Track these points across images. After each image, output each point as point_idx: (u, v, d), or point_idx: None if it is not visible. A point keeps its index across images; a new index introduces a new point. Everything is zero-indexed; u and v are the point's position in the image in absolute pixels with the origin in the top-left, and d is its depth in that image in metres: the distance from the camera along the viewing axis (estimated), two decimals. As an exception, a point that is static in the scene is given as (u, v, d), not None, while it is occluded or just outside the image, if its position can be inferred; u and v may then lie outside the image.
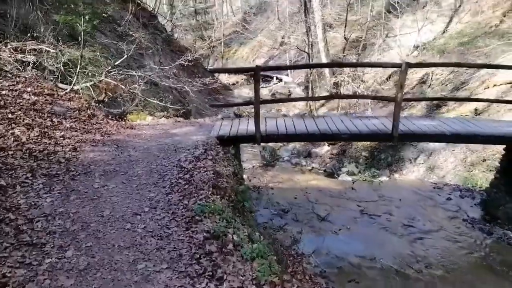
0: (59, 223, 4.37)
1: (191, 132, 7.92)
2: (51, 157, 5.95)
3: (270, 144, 18.74)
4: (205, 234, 4.28)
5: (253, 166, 16.28)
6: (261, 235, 5.35)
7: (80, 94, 8.95)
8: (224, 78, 29.14)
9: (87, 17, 8.89)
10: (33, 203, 4.69)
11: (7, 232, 3.98)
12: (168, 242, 4.19)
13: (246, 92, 26.47)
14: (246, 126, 8.02)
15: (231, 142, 7.62)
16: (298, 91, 24.20)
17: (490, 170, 11.73)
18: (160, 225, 4.52)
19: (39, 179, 5.33)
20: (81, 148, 6.56)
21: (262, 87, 27.32)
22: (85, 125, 7.63)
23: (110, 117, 8.64)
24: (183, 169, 5.98)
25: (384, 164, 15.06)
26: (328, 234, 7.58)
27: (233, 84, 28.44)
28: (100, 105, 9.01)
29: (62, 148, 6.35)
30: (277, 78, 27.06)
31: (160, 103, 10.56)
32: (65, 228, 4.31)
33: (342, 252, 7.04)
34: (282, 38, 26.05)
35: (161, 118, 9.19)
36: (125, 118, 9.13)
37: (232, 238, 4.33)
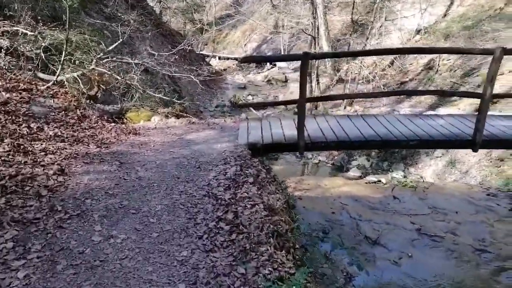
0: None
1: (212, 137, 5.88)
2: (27, 188, 3.86)
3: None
4: None
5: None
6: None
7: (66, 87, 6.76)
8: (215, 63, 26.79)
9: (72, -11, 6.64)
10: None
11: None
12: None
13: (239, 78, 24.25)
14: (281, 129, 6.03)
15: (266, 152, 5.64)
16: (294, 77, 22.15)
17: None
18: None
19: (8, 230, 3.28)
20: (71, 169, 4.47)
21: (256, 73, 25.13)
22: (74, 131, 5.50)
23: (105, 117, 6.50)
24: (219, 201, 3.98)
25: (399, 158, 13.33)
26: (386, 265, 5.77)
27: (225, 69, 26.17)
28: (92, 102, 6.85)
29: (43, 170, 4.24)
30: (271, 63, 24.96)
31: (164, 97, 8.42)
32: None
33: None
34: (277, 21, 23.90)
35: (169, 117, 7.12)
36: (124, 118, 7.02)
37: None
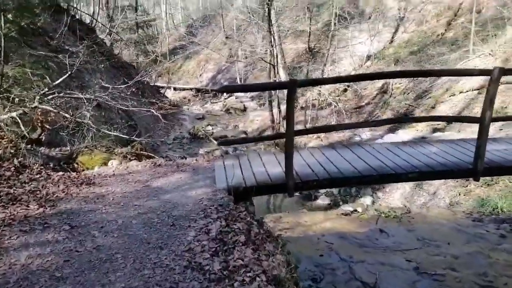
0: None
1: (185, 182, 4.82)
2: None
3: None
4: None
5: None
6: None
7: (2, 131, 5.48)
8: (170, 94, 25.64)
9: (9, 15, 5.45)
10: None
11: None
12: None
13: (197, 108, 23.24)
14: (263, 167, 5.09)
15: (249, 196, 4.65)
16: (252, 105, 21.52)
17: (497, 187, 9.83)
18: None
19: None
20: (3, 243, 3.27)
21: (213, 103, 24.23)
22: (10, 187, 4.26)
23: (51, 165, 5.27)
24: (207, 274, 2.94)
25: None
26: (393, 316, 4.91)
27: (180, 100, 25.06)
28: (34, 146, 5.59)
29: (-38, 249, 3.01)
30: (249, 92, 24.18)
31: (121, 135, 7.23)
32: None
33: None
34: (231, 50, 23.28)
35: (130, 160, 5.98)
36: (74, 163, 5.80)
37: None
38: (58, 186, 4.55)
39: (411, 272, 5.65)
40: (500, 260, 5.98)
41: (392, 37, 21.96)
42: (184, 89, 25.29)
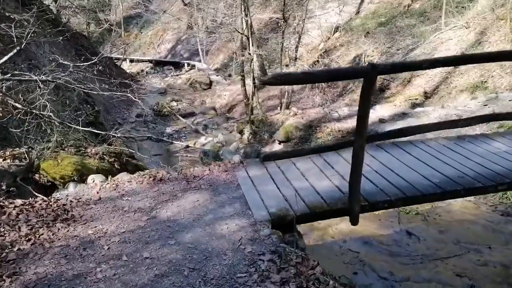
0: None
1: (205, 207, 3.30)
2: None
3: (207, 143, 14.24)
4: None
5: (196, 177, 11.78)
6: None
7: None
8: (126, 66, 22.94)
9: None
10: None
11: None
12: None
13: (157, 82, 20.94)
14: (305, 180, 3.68)
15: (293, 225, 3.24)
16: (218, 79, 19.64)
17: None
18: None
19: None
20: None
21: (175, 76, 21.98)
22: None
23: (3, 187, 3.50)
24: None
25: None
26: None
27: (138, 73, 22.52)
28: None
29: None
30: (189, 64, 21.98)
31: (93, 130, 5.39)
32: None
33: None
34: (191, 19, 20.93)
35: (114, 169, 4.29)
36: (36, 175, 4.04)
37: None
38: (19, 229, 2.87)
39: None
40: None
41: (358, 8, 20.76)
42: (142, 61, 22.71)
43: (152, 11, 23.19)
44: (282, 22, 13.16)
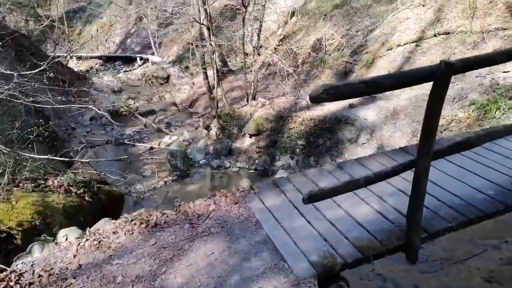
0: None
1: (225, 264, 2.43)
2: None
3: (172, 142, 13.13)
4: None
5: (166, 182, 10.89)
6: None
7: None
8: (73, 65, 20.88)
9: None
10: None
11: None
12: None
13: (109, 80, 19.21)
14: (337, 206, 2.92)
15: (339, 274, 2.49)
16: (175, 72, 18.30)
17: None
18: None
19: None
20: None
21: (128, 72, 20.30)
22: None
23: None
24: None
25: (323, 150, 11.38)
26: None
27: (87, 71, 20.60)
28: None
29: None
30: (141, 58, 20.33)
31: (55, 158, 4.23)
32: None
33: None
34: (140, 9, 19.23)
35: (89, 217, 3.24)
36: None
37: None
38: None
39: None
40: None
41: (312, -9, 20.09)
42: (90, 58, 20.70)
43: (96, 4, 21.14)
44: (242, 9, 12.13)
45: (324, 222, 2.74)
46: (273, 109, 12.50)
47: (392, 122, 10.85)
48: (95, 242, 2.65)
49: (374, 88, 2.06)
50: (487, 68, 10.55)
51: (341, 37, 15.99)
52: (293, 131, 11.75)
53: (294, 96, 13.40)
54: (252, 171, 11.65)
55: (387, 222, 2.67)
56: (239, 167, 11.79)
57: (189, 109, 15.52)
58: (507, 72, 10.05)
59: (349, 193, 3.04)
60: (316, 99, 1.85)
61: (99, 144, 13.24)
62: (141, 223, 2.81)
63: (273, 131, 12.03)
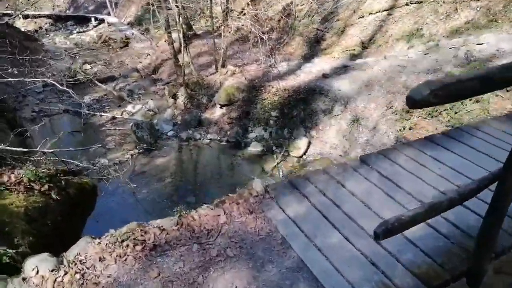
0: None
1: None
2: None
3: (136, 111, 12.04)
4: None
5: (132, 156, 10.00)
6: None
7: None
8: (20, 24, 18.48)
9: None
10: None
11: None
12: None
13: (61, 41, 17.19)
14: (377, 217, 2.38)
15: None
16: (135, 35, 16.66)
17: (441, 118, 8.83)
18: None
19: None
20: None
21: (81, 33, 18.27)
22: None
23: None
24: None
25: (298, 121, 10.90)
26: None
27: (36, 31, 18.33)
28: None
29: None
30: (96, 19, 18.27)
31: (8, 147, 3.28)
32: None
33: None
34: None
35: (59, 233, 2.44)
36: None
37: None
38: None
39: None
40: None
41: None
42: (39, 17, 18.34)
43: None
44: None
45: (366, 238, 2.19)
46: (245, 78, 11.67)
47: (366, 93, 10.47)
48: (77, 276, 1.93)
49: (489, 85, 1.44)
50: (461, 39, 10.32)
51: (311, 2, 15.15)
52: (267, 101, 11.07)
53: (267, 64, 12.59)
54: (224, 143, 10.99)
55: (442, 239, 2.18)
56: (210, 139, 11.05)
57: (152, 75, 14.28)
58: (481, 44, 9.84)
59: (386, 196, 2.51)
60: (420, 103, 1.23)
61: (55, 113, 11.88)
62: (135, 245, 2.11)
63: (245, 102, 11.29)
